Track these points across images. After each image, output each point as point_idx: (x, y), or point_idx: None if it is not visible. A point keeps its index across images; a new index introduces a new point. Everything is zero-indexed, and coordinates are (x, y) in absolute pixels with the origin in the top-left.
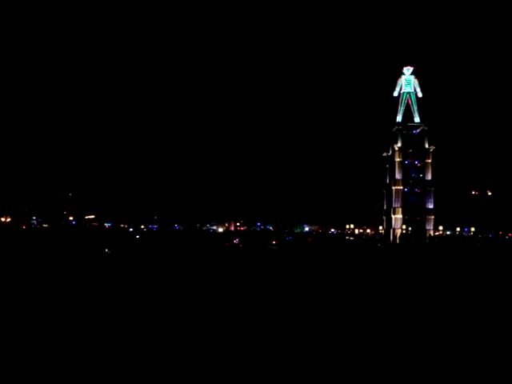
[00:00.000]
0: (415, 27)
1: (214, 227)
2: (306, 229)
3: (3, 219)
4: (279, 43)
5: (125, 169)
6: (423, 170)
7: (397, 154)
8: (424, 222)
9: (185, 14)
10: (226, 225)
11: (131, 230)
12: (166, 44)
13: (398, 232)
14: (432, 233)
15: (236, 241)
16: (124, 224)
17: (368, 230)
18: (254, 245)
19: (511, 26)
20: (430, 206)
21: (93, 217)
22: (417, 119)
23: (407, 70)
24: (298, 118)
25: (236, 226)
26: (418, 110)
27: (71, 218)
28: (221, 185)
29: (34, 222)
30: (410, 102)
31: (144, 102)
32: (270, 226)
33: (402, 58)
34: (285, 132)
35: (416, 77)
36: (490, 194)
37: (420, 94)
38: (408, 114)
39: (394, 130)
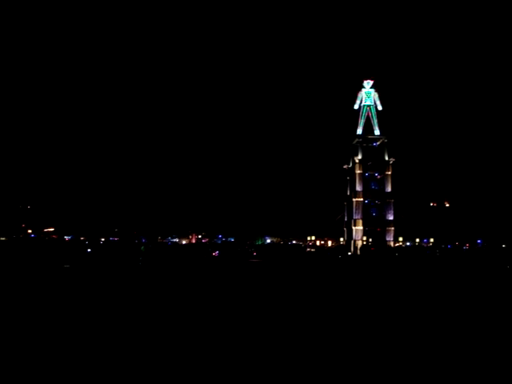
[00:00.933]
0: (375, 41)
1: (176, 239)
2: (268, 241)
3: None
4: (241, 56)
5: (86, 180)
6: (383, 182)
7: (357, 167)
8: (384, 233)
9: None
10: (190, 237)
11: (87, 242)
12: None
13: (359, 243)
14: (392, 244)
15: (215, 253)
16: (84, 237)
17: (329, 242)
18: (235, 258)
19: (467, 40)
20: (390, 217)
21: (52, 229)
22: (377, 132)
23: (367, 84)
24: (259, 130)
25: (197, 239)
26: (378, 122)
27: (30, 231)
28: (181, 197)
29: None
30: (370, 114)
31: (101, 115)
32: (231, 238)
33: (362, 71)
34: (245, 143)
35: (376, 90)
36: (447, 205)
37: (380, 107)
38: (368, 127)
39: (355, 142)
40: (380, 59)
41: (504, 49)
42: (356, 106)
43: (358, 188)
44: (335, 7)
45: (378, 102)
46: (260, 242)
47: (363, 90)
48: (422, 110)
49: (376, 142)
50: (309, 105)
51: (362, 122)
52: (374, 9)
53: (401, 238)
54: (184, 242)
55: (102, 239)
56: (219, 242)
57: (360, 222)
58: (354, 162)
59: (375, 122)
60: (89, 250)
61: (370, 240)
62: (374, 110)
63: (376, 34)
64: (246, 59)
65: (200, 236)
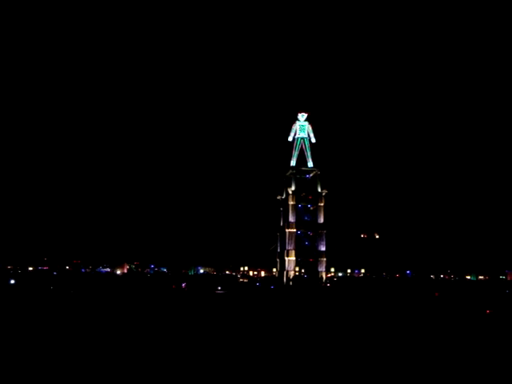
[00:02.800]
0: (310, 74)
1: (108, 269)
2: (201, 271)
3: None
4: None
5: (13, 207)
6: (316, 214)
7: (290, 198)
8: (316, 263)
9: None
10: (129, 266)
11: (11, 272)
12: None
13: (291, 274)
14: (324, 274)
15: (183, 285)
16: (10, 265)
17: (262, 272)
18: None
19: (395, 76)
20: (322, 248)
21: None
22: (310, 164)
23: (302, 116)
24: (192, 159)
25: (129, 269)
26: (312, 155)
27: None
28: (113, 226)
29: None
30: (303, 147)
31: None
32: (163, 267)
33: (297, 104)
34: (178, 174)
35: (310, 123)
36: (377, 236)
37: (313, 140)
38: (302, 159)
39: (288, 174)
40: (315, 92)
41: (447, 84)
42: (290, 138)
43: (291, 219)
44: (271, 39)
45: (312, 135)
46: (193, 272)
47: (297, 122)
48: (355, 144)
49: (309, 174)
50: (243, 136)
51: (295, 153)
52: (310, 41)
53: (333, 269)
54: (118, 272)
55: (30, 268)
56: (151, 272)
57: (293, 252)
58: (288, 194)
59: (309, 154)
60: (12, 281)
61: (303, 270)
62: (307, 143)
63: (312, 68)
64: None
65: (133, 266)
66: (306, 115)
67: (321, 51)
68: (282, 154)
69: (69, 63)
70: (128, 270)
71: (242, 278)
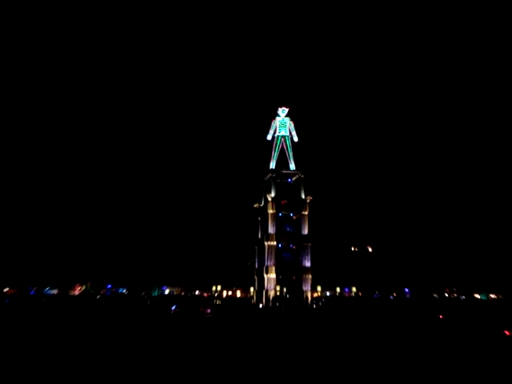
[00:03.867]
0: (291, 65)
1: (55, 291)
2: (166, 291)
3: None
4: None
5: None
6: (299, 224)
7: (270, 205)
8: (300, 281)
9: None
10: (80, 288)
11: None
12: None
13: (272, 293)
14: (310, 294)
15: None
16: None
17: (238, 292)
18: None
19: (388, 70)
20: (307, 263)
21: None
22: (292, 166)
23: (282, 112)
24: (156, 157)
25: (81, 290)
26: (294, 155)
27: None
28: (62, 242)
29: None
30: (285, 146)
31: None
32: (122, 288)
33: (276, 98)
34: (138, 181)
35: (292, 119)
36: (370, 250)
37: (296, 138)
38: (283, 160)
39: (267, 178)
40: (296, 85)
41: (428, 82)
42: (269, 137)
43: (271, 230)
44: (246, 29)
45: (294, 133)
46: (157, 293)
47: (277, 118)
48: (343, 143)
49: (291, 178)
50: (214, 135)
51: (275, 154)
52: (288, 31)
53: (319, 287)
54: (76, 293)
55: None
56: (108, 293)
57: (273, 269)
58: (267, 201)
59: (290, 154)
60: None
61: (285, 290)
62: (289, 142)
63: (291, 58)
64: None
65: (84, 287)
66: (286, 110)
67: (301, 40)
68: (259, 154)
69: (68, 63)
70: (83, 291)
71: (216, 299)
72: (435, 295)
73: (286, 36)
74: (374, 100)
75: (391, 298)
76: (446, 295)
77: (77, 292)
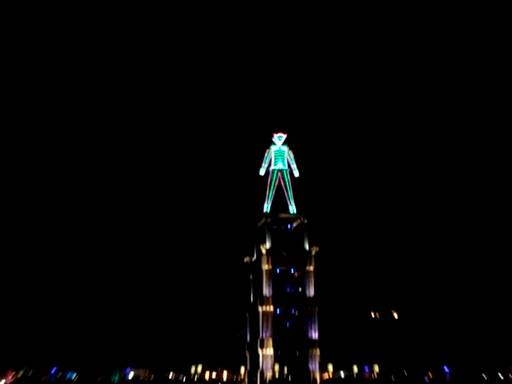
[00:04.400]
0: (286, 85)
1: None
2: (131, 375)
3: None
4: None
5: None
6: (303, 283)
7: (264, 259)
8: (306, 358)
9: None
10: (14, 374)
11: None
12: None
13: (269, 375)
14: (318, 375)
15: None
16: None
17: (225, 374)
18: None
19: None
20: (314, 334)
21: None
22: (292, 209)
23: (278, 139)
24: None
25: (15, 376)
26: (295, 195)
27: None
28: None
29: None
30: (282, 183)
31: None
32: (72, 372)
33: (271, 122)
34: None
35: (290, 148)
36: (396, 316)
37: (297, 173)
38: (280, 202)
39: (261, 224)
40: (294, 105)
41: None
42: (262, 172)
43: (267, 291)
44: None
45: (294, 166)
46: (118, 378)
47: (272, 147)
48: (356, 177)
49: (291, 224)
50: (195, 168)
51: (270, 194)
52: (284, 47)
53: (330, 366)
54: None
55: None
56: (52, 379)
57: (270, 342)
58: (260, 253)
59: (290, 194)
60: None
61: (286, 369)
62: (287, 177)
63: (287, 75)
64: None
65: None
66: (283, 137)
67: (298, 54)
68: (250, 194)
69: (66, 62)
70: (17, 379)
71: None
72: (485, 376)
73: (279, 49)
74: (385, 122)
75: (426, 379)
76: (500, 376)
77: (9, 380)
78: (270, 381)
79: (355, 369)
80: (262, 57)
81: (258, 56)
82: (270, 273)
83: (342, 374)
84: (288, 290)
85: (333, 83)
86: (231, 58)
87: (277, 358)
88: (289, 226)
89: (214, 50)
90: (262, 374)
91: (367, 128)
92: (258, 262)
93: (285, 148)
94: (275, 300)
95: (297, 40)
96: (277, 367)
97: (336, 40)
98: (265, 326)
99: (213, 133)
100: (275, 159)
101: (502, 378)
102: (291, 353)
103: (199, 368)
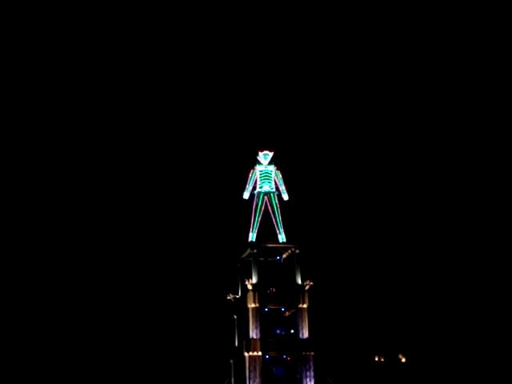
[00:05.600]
0: (272, 98)
1: None
2: None
3: None
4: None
5: None
6: (295, 323)
7: (250, 297)
8: None
9: None
10: None
11: None
12: None
13: None
14: None
15: None
16: None
17: None
18: None
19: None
20: (310, 383)
21: None
22: (282, 237)
23: (264, 157)
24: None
25: None
26: (284, 221)
27: None
28: None
29: None
30: (270, 208)
31: None
32: None
33: (255, 139)
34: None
35: (278, 167)
36: (403, 360)
37: (286, 196)
38: (268, 229)
39: (245, 255)
40: (282, 119)
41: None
42: (246, 195)
43: (254, 334)
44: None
45: (283, 188)
46: None
47: (258, 167)
48: (353, 198)
49: (280, 255)
50: (169, 191)
51: (256, 220)
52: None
53: None
54: None
55: None
56: None
57: None
58: (246, 290)
59: (279, 220)
60: None
61: None
62: (275, 201)
63: (276, 90)
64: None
65: None
66: (270, 155)
67: (284, 70)
68: (232, 221)
69: (66, 62)
70: None
71: None
72: None
73: (262, 60)
74: (379, 137)
75: None
76: None
77: None
78: None
79: None
80: (245, 68)
81: (240, 67)
82: (257, 312)
83: None
84: (278, 331)
85: (322, 95)
86: (211, 68)
87: None
88: (278, 258)
89: (193, 58)
90: None
91: (362, 144)
92: (243, 299)
93: (272, 167)
94: (264, 344)
95: (282, 49)
96: None
97: (324, 48)
98: (252, 374)
99: (189, 149)
100: (261, 180)
101: None
102: None
103: None
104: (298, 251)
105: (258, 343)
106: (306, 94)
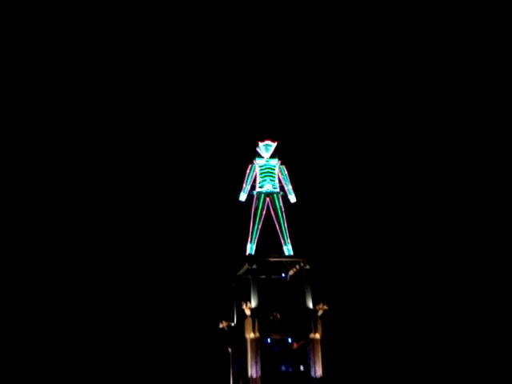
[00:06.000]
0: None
1: None
2: None
3: None
4: None
5: None
6: (305, 357)
7: (249, 325)
8: None
9: None
10: None
11: None
12: None
13: None
14: None
15: None
16: None
17: None
18: None
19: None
20: None
21: None
22: (288, 249)
23: (265, 148)
24: None
25: None
26: (290, 228)
27: None
28: None
29: None
30: (273, 212)
31: None
32: None
33: (255, 127)
34: None
35: (283, 162)
36: None
37: (293, 198)
38: (271, 239)
39: (242, 272)
40: (288, 105)
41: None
42: (243, 197)
43: (253, 372)
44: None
45: (290, 187)
46: None
47: (257, 161)
48: (375, 198)
49: (286, 272)
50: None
51: (255, 228)
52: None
53: None
54: None
55: None
56: None
57: None
58: (243, 316)
59: (284, 227)
60: None
61: None
62: (279, 204)
63: (279, 69)
64: None
65: None
66: (273, 146)
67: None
68: (226, 229)
69: (66, 62)
70: None
71: None
72: None
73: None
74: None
75: None
76: None
77: None
78: None
79: None
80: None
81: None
82: (258, 344)
83: None
84: (284, 368)
85: (334, 77)
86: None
87: None
88: (283, 275)
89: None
90: None
91: (379, 134)
92: (240, 328)
93: (275, 161)
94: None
95: (284, 36)
96: None
97: (328, 39)
98: None
99: (174, 137)
100: (261, 178)
101: None
102: None
103: None
104: (308, 267)
105: (259, 382)
106: (314, 75)
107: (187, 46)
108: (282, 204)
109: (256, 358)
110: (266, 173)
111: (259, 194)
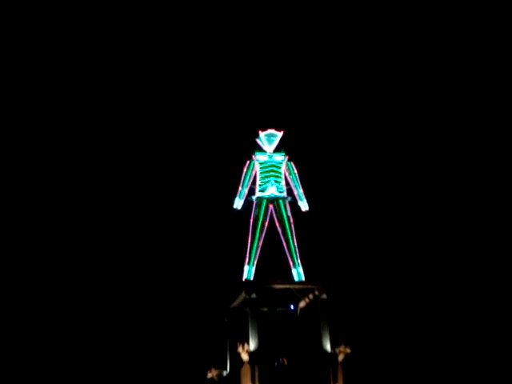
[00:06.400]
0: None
1: None
2: None
3: None
4: None
5: None
6: None
7: (247, 375)
8: None
9: None
10: None
11: None
12: None
13: None
14: None
15: None
16: None
17: None
18: None
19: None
20: None
21: None
22: (299, 273)
23: (268, 140)
24: None
25: None
26: (301, 246)
27: None
28: None
29: None
30: (278, 224)
31: None
32: None
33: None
34: None
35: (289, 158)
36: None
37: (305, 205)
38: (275, 260)
39: (238, 303)
40: (295, 88)
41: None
42: (238, 204)
43: None
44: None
45: (300, 190)
46: None
47: (258, 157)
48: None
49: (296, 303)
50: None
51: (255, 245)
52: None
53: None
54: None
55: None
56: None
57: None
58: (239, 362)
59: (293, 245)
60: None
61: None
62: (286, 213)
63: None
64: None
65: None
66: (278, 136)
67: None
68: (217, 247)
69: (65, 62)
70: None
71: None
72: None
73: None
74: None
75: None
76: None
77: None
78: None
79: None
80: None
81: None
82: None
83: None
84: None
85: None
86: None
87: None
88: (292, 307)
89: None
90: None
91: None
92: (235, 378)
93: (281, 157)
94: None
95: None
96: None
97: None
98: None
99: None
100: (263, 178)
101: None
102: None
103: None
104: (324, 296)
105: None
106: (326, 54)
107: (182, 31)
108: (290, 213)
109: None
110: (270, 172)
111: (260, 199)
